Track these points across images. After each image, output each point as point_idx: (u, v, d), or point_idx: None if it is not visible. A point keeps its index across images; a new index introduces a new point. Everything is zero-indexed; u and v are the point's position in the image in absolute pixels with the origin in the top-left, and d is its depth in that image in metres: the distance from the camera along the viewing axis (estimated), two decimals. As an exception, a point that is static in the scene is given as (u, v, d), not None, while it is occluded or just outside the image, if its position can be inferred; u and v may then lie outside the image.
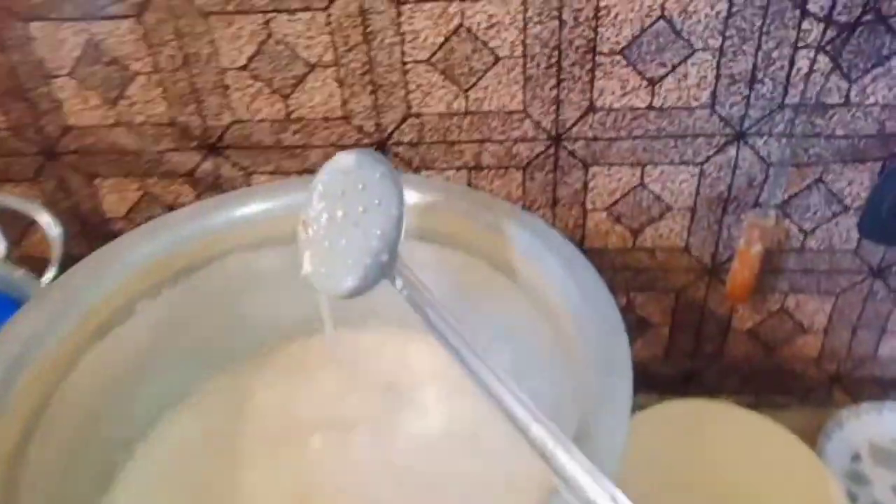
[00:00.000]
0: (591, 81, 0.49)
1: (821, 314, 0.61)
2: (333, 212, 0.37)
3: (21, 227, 0.61)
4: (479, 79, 0.50)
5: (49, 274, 0.49)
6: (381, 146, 0.54)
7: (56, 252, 0.49)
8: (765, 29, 0.46)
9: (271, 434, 0.46)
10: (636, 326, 0.63)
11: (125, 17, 0.49)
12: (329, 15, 0.48)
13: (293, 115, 0.53)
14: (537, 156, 0.53)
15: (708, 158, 0.52)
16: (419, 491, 0.42)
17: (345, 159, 0.36)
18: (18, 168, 0.57)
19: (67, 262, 0.43)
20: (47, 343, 0.37)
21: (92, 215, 0.59)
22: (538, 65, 0.49)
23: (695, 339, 0.64)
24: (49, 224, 0.49)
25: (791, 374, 0.65)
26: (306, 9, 0.48)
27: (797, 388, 0.66)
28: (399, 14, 0.47)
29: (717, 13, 0.46)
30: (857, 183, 0.53)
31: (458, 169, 0.55)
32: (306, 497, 0.42)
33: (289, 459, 0.44)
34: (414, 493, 0.42)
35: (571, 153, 0.53)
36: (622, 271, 0.60)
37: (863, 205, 0.53)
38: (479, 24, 0.47)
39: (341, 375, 0.49)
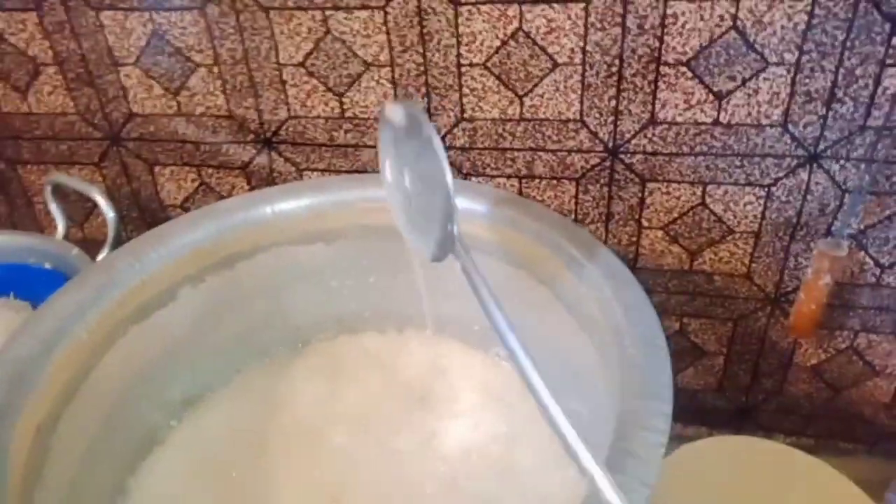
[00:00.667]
0: (654, 93, 0.47)
1: (895, 356, 0.56)
2: (402, 168, 0.35)
3: (85, 210, 0.63)
4: (536, 85, 0.48)
5: (102, 254, 0.50)
6: (433, 149, 0.53)
7: (111, 234, 0.50)
8: (848, 44, 0.43)
9: (304, 430, 0.45)
10: (689, 353, 0.60)
11: (189, 9, 0.50)
12: (386, 14, 0.47)
13: (347, 114, 0.53)
14: (592, 167, 0.51)
15: (777, 180, 0.49)
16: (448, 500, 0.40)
17: (393, 113, 0.34)
18: (85, 152, 0.59)
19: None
20: (87, 320, 0.38)
21: (150, 202, 0.61)
22: (598, 73, 0.47)
23: (752, 373, 0.60)
24: (105, 206, 0.50)
25: (858, 419, 0.60)
26: (364, 7, 0.47)
27: (864, 435, 0.61)
28: (456, 15, 0.47)
29: (795, 25, 0.43)
30: (944, 216, 0.48)
31: (510, 177, 0.53)
32: (336, 496, 0.41)
33: (320, 457, 0.43)
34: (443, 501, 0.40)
35: (628, 167, 0.51)
36: (677, 294, 0.57)
37: (950, 241, 0.49)
38: (538, 28, 0.46)
39: (378, 378, 0.48)
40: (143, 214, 0.62)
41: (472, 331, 0.48)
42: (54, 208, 0.54)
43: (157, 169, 0.59)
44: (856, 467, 0.52)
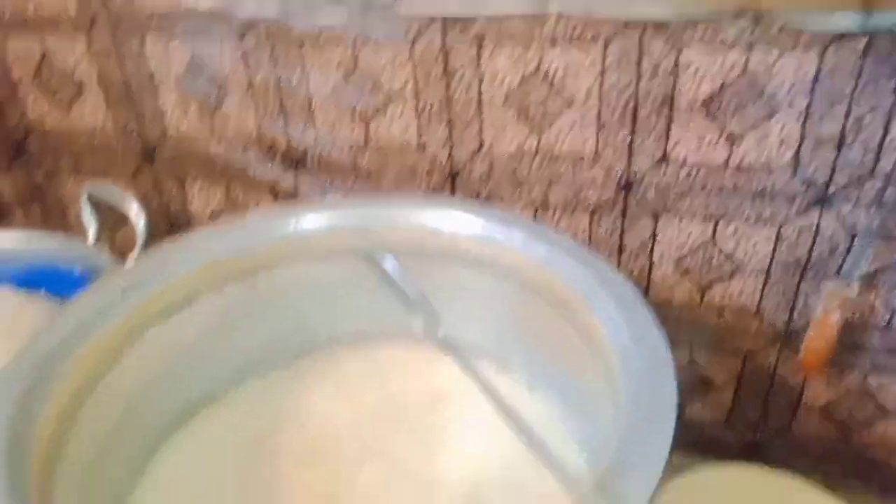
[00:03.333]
0: (667, 132, 0.49)
1: (906, 399, 0.56)
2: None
3: (114, 223, 0.66)
4: (553, 121, 0.50)
5: (131, 259, 0.52)
6: (452, 177, 0.55)
7: (140, 240, 0.52)
8: (856, 94, 0.44)
9: (308, 439, 0.46)
10: (698, 387, 0.61)
11: (227, 38, 0.53)
12: (413, 50, 0.50)
13: (371, 141, 0.55)
14: (606, 201, 0.53)
15: (787, 220, 0.50)
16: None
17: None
18: (120, 168, 0.62)
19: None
20: (109, 320, 0.40)
21: (179, 216, 0.64)
22: (613, 112, 0.49)
23: (762, 409, 0.60)
24: (137, 213, 0.53)
25: (870, 461, 0.60)
26: (392, 43, 0.50)
27: (877, 478, 0.61)
28: (479, 54, 0.49)
29: (805, 74, 0.45)
30: (954, 263, 0.49)
31: (525, 206, 0.55)
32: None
33: (323, 466, 0.45)
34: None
35: (641, 202, 0.52)
36: (687, 326, 0.57)
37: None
38: (556, 68, 0.48)
39: (384, 393, 0.50)
40: (172, 229, 0.64)
41: (481, 353, 0.50)
42: (87, 214, 0.56)
43: (187, 185, 0.62)
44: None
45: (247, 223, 0.48)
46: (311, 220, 0.49)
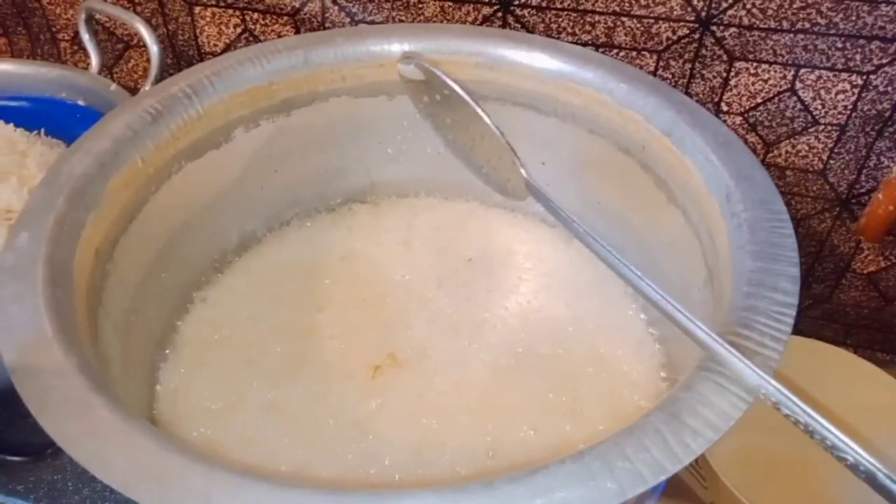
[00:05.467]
0: (764, -47, 0.42)
1: (956, 272, 0.54)
2: (448, 132, 0.39)
3: (115, 53, 0.59)
4: (634, -65, 0.44)
5: (145, 90, 0.46)
6: (504, 7, 0.49)
7: (154, 69, 0.46)
8: None
9: (352, 287, 0.43)
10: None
11: None
12: None
13: (414, -41, 0.48)
14: (679, 39, 0.47)
15: (878, 68, 0.45)
16: (505, 360, 0.39)
17: (406, 71, 0.40)
18: (119, -18, 0.54)
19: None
20: (141, 146, 0.35)
21: (187, 47, 0.57)
22: (707, -75, 0.42)
23: (804, 277, 0.58)
24: (149, 38, 0.46)
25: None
26: None
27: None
28: None
29: None
30: None
31: (586, 44, 0.49)
32: (393, 352, 0.39)
33: (376, 315, 0.42)
34: (500, 362, 0.39)
35: (719, 41, 0.47)
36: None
37: None
38: None
39: (433, 242, 0.46)
40: (179, 61, 0.57)
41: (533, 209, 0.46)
42: (87, 39, 0.49)
43: (197, 10, 0.54)
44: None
45: (277, 46, 0.42)
46: (348, 46, 0.43)
